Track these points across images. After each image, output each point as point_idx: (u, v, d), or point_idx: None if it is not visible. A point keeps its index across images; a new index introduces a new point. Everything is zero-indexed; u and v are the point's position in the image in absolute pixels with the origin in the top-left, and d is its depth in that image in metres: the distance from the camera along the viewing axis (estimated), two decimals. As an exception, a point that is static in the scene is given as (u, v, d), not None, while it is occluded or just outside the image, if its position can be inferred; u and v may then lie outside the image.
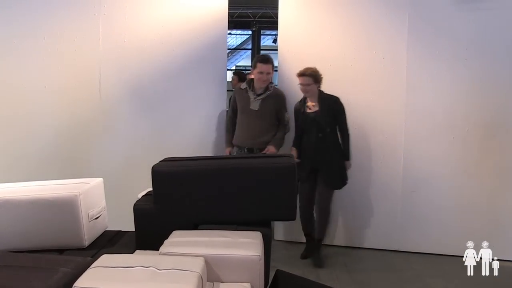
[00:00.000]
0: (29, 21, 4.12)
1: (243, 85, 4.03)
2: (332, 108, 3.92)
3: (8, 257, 2.04)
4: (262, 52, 14.23)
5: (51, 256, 2.16)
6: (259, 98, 3.92)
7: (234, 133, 4.05)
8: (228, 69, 8.92)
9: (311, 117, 3.93)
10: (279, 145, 3.99)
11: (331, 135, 3.92)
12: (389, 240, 4.26)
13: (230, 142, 4.08)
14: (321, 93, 3.95)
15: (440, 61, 4.07)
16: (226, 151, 4.08)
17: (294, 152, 3.95)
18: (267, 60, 3.93)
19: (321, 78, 3.93)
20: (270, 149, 3.88)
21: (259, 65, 3.88)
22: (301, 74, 3.89)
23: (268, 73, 3.90)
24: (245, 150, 3.95)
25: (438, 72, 4.09)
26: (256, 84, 3.96)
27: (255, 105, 3.92)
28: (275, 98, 3.98)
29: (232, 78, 6.92)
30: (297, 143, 4.02)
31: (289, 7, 4.34)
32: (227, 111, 4.35)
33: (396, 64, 4.12)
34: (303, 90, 3.92)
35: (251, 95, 3.93)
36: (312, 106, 3.94)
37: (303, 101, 4.01)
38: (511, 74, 3.97)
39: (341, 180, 3.94)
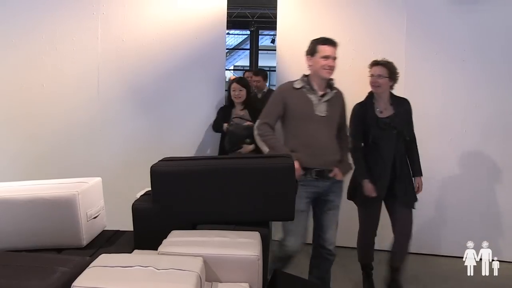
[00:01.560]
0: (28, 20, 4.12)
1: (298, 83, 3.02)
2: (407, 112, 3.30)
3: (6, 257, 2.03)
4: (260, 52, 14.23)
5: (49, 255, 2.16)
6: (324, 99, 3.00)
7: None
8: (226, 69, 8.92)
9: (385, 122, 3.21)
10: (348, 170, 3.16)
11: (410, 145, 3.30)
12: (386, 240, 4.26)
13: (288, 150, 2.98)
14: (391, 93, 3.33)
15: (438, 62, 4.09)
16: (296, 166, 2.67)
17: (369, 185, 3.19)
18: (332, 41, 3.02)
19: (397, 76, 3.31)
20: (338, 175, 3.05)
21: (322, 47, 2.97)
22: (375, 63, 3.30)
23: (335, 59, 3.00)
24: (313, 173, 2.96)
25: (435, 73, 4.11)
26: (318, 78, 3.00)
27: (321, 109, 2.98)
28: (339, 98, 3.13)
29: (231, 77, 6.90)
30: (362, 164, 3.23)
31: (287, 7, 4.35)
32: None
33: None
34: (373, 83, 3.25)
35: (312, 96, 2.99)
36: (383, 108, 3.25)
37: (369, 102, 3.29)
38: (508, 74, 3.99)
39: (416, 198, 3.33)
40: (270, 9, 10.30)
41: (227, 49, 11.95)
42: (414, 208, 3.26)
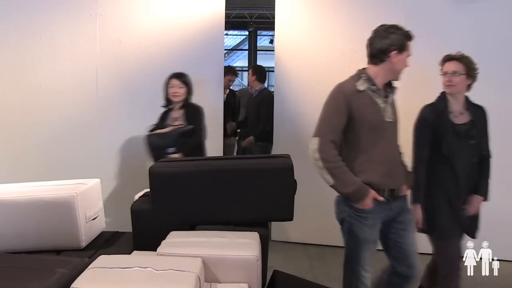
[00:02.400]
0: (26, 22, 4.11)
1: (361, 84, 2.35)
2: (484, 121, 2.78)
3: (5, 258, 2.04)
4: (259, 53, 14.23)
5: (48, 257, 2.16)
6: (388, 101, 2.40)
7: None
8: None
9: (462, 130, 2.66)
10: (412, 183, 2.62)
11: (483, 160, 2.78)
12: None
13: (362, 183, 2.31)
14: (466, 96, 2.76)
15: (436, 61, 4.05)
16: (367, 202, 2.30)
17: (419, 211, 2.68)
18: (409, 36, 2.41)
19: (476, 73, 2.71)
20: (405, 191, 2.51)
21: (410, 44, 2.40)
22: (449, 58, 2.73)
23: (408, 56, 2.41)
24: (386, 194, 2.36)
25: (434, 72, 4.09)
26: (385, 77, 2.40)
27: (388, 113, 2.38)
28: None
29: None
30: (421, 187, 2.67)
31: (285, 7, 4.35)
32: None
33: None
34: (447, 82, 2.69)
35: (379, 98, 2.36)
36: (458, 113, 2.69)
37: (442, 103, 2.71)
38: (507, 73, 3.99)
39: (478, 226, 2.80)
40: (268, 10, 10.30)
41: (225, 49, 11.95)
42: (474, 238, 2.79)
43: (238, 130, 5.46)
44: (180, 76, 3.61)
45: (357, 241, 2.39)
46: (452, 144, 2.62)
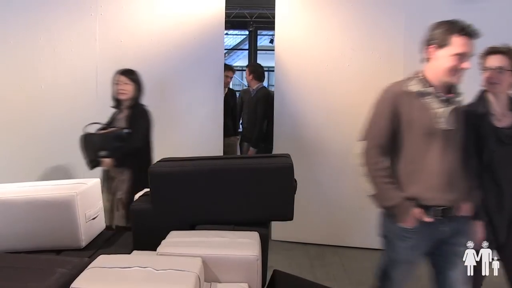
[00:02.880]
0: (26, 22, 4.12)
1: (414, 85, 2.15)
2: None
3: (5, 258, 2.03)
4: (259, 52, 14.22)
5: (48, 256, 2.16)
6: (449, 106, 2.13)
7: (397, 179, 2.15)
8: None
9: (507, 134, 2.29)
10: (478, 202, 2.26)
11: None
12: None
13: (404, 199, 2.09)
14: (510, 97, 2.39)
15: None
16: (409, 221, 2.09)
17: (481, 228, 2.28)
18: (471, 31, 2.10)
19: None
20: (467, 211, 2.20)
21: (457, 39, 2.07)
22: (493, 51, 2.37)
23: (469, 55, 2.11)
24: (437, 212, 2.10)
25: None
26: (441, 80, 2.13)
27: (446, 120, 2.11)
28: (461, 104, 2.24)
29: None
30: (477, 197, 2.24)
31: (286, 7, 4.35)
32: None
33: (393, 64, 4.13)
34: (489, 79, 2.33)
35: (434, 102, 2.11)
36: (501, 115, 2.32)
37: (483, 104, 2.36)
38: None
39: None
40: (268, 9, 10.29)
41: (225, 49, 11.93)
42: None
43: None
44: (127, 73, 3.44)
45: (392, 260, 2.21)
46: (494, 151, 2.27)
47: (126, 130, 3.29)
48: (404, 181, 2.10)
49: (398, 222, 2.09)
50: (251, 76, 5.17)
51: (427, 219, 2.05)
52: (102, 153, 3.20)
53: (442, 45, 2.09)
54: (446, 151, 2.09)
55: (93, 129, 3.35)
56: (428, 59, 2.16)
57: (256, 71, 5.22)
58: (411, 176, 2.09)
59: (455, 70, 2.08)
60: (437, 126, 2.07)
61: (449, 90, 2.15)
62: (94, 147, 3.22)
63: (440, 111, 2.09)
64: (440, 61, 2.10)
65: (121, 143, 3.24)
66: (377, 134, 2.11)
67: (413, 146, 2.09)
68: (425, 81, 2.12)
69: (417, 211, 2.05)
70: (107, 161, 3.23)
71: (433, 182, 2.06)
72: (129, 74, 3.44)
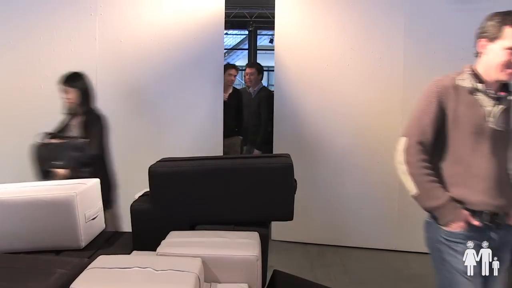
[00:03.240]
0: (25, 22, 4.12)
1: (463, 80, 2.00)
2: None
3: (5, 259, 2.03)
4: (259, 52, 14.23)
5: (47, 257, 2.16)
6: (500, 105, 1.96)
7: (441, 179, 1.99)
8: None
9: None
10: None
11: None
12: (386, 239, 4.26)
13: (450, 199, 1.94)
14: None
15: (436, 60, 4.08)
16: (456, 223, 1.94)
17: None
18: None
19: None
20: None
21: (510, 31, 1.90)
22: None
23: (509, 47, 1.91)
24: (485, 218, 1.94)
25: (434, 71, 4.06)
26: (492, 76, 1.97)
27: (497, 120, 1.95)
28: None
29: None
30: None
31: (285, 7, 4.35)
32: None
33: (393, 63, 4.13)
34: None
35: (485, 99, 1.96)
36: None
37: None
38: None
39: None
40: (268, 9, 10.29)
41: (225, 49, 11.94)
42: None
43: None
44: (68, 80, 3.28)
45: (452, 274, 1.98)
46: None
47: (83, 140, 3.17)
48: (449, 183, 1.95)
49: (444, 225, 1.94)
50: (260, 76, 5.11)
51: (476, 222, 1.90)
52: (57, 163, 3.06)
53: (493, 38, 1.93)
54: (494, 154, 1.94)
55: (43, 137, 3.21)
56: (479, 54, 2.02)
57: (262, 70, 5.17)
58: (456, 178, 1.95)
59: (508, 65, 1.91)
60: (486, 126, 1.93)
61: (501, 88, 1.99)
62: (49, 157, 3.08)
63: (490, 109, 1.94)
64: (492, 56, 1.94)
65: (78, 152, 3.12)
66: (420, 130, 1.96)
67: (459, 146, 1.94)
68: (476, 77, 1.98)
69: (465, 213, 1.90)
70: (62, 171, 3.06)
71: (480, 186, 1.92)
72: (70, 81, 3.28)
